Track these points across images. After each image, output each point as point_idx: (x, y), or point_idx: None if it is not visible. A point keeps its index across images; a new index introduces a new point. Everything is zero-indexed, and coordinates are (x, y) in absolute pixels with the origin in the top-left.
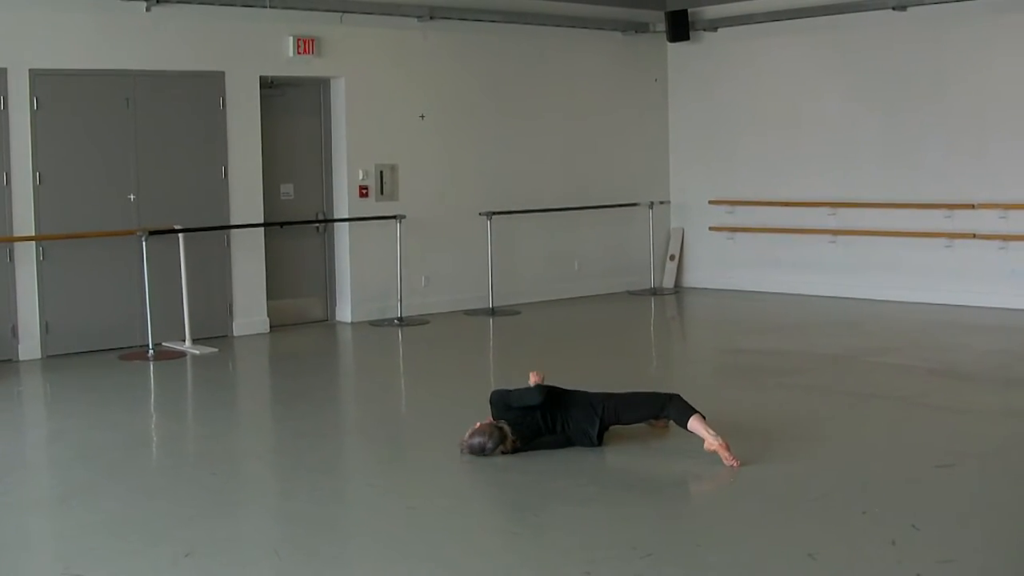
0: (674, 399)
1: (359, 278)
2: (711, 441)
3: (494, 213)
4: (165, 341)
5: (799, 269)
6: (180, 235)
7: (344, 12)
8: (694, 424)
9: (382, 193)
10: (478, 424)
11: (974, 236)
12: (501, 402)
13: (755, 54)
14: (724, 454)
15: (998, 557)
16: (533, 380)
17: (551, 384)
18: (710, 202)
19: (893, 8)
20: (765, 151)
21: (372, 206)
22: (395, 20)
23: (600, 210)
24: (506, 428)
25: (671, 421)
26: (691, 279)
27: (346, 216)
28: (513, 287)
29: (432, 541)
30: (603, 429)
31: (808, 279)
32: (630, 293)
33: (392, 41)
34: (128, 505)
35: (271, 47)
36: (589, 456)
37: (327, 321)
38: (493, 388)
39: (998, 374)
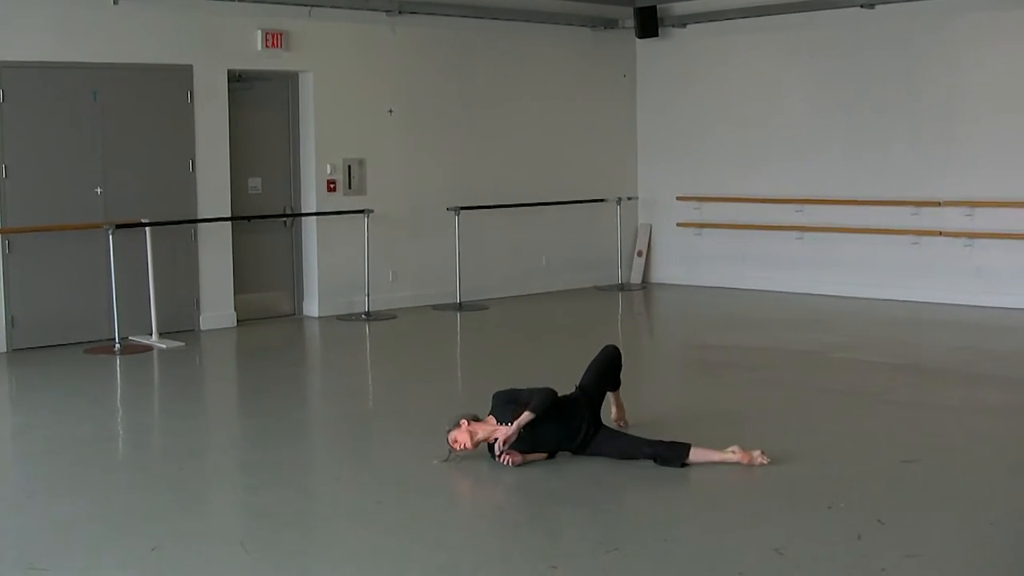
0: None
1: (326, 272)
2: (731, 457)
3: (462, 208)
4: (132, 335)
5: (766, 265)
6: (147, 229)
7: (313, 6)
8: (699, 455)
9: (350, 187)
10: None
11: (940, 233)
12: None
13: (724, 51)
14: (750, 458)
15: (963, 551)
16: (509, 461)
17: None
18: (678, 198)
19: (861, 6)
20: (733, 147)
21: (340, 200)
22: (364, 14)
23: (568, 206)
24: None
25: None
26: (658, 275)
27: (314, 210)
28: (481, 282)
29: (398, 536)
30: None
31: (775, 275)
32: (597, 289)
33: (361, 35)
34: (94, 500)
35: (239, 41)
36: (557, 453)
37: (294, 315)
38: (497, 390)
39: (963, 370)
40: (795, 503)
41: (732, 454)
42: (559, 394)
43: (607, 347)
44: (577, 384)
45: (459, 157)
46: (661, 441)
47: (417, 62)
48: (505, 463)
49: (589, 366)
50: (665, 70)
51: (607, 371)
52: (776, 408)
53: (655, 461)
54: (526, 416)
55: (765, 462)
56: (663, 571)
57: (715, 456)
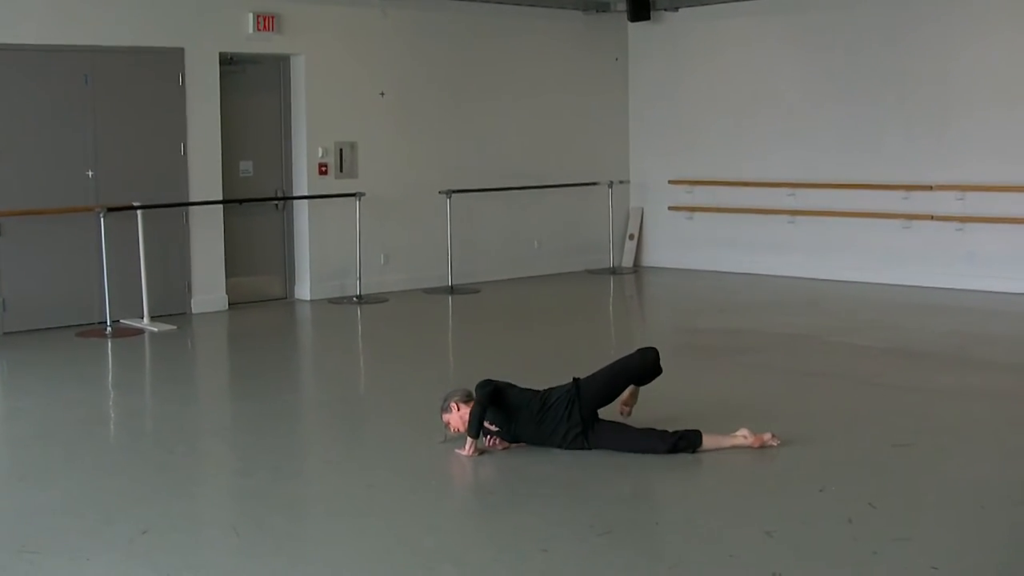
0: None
1: (318, 256)
2: (742, 441)
3: (454, 191)
4: (123, 318)
5: (758, 249)
6: (138, 212)
7: None
8: (710, 441)
9: (341, 171)
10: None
11: (932, 217)
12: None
13: (716, 34)
14: (762, 441)
15: (954, 535)
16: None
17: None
18: (670, 182)
19: None
20: (725, 131)
21: (331, 184)
22: None
23: (560, 189)
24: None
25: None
26: (650, 258)
27: (305, 193)
28: (472, 265)
29: (390, 519)
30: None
31: (767, 259)
32: (589, 272)
33: (352, 19)
34: (85, 483)
35: (231, 23)
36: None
37: (286, 299)
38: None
39: (954, 354)
40: (786, 486)
41: (743, 439)
42: (557, 385)
43: (647, 350)
44: (577, 377)
45: (451, 140)
46: (674, 432)
47: (409, 45)
48: (491, 446)
49: (614, 362)
50: (657, 54)
51: (627, 373)
52: (767, 392)
53: (667, 451)
54: (469, 440)
55: (775, 444)
56: (654, 554)
57: (726, 442)
